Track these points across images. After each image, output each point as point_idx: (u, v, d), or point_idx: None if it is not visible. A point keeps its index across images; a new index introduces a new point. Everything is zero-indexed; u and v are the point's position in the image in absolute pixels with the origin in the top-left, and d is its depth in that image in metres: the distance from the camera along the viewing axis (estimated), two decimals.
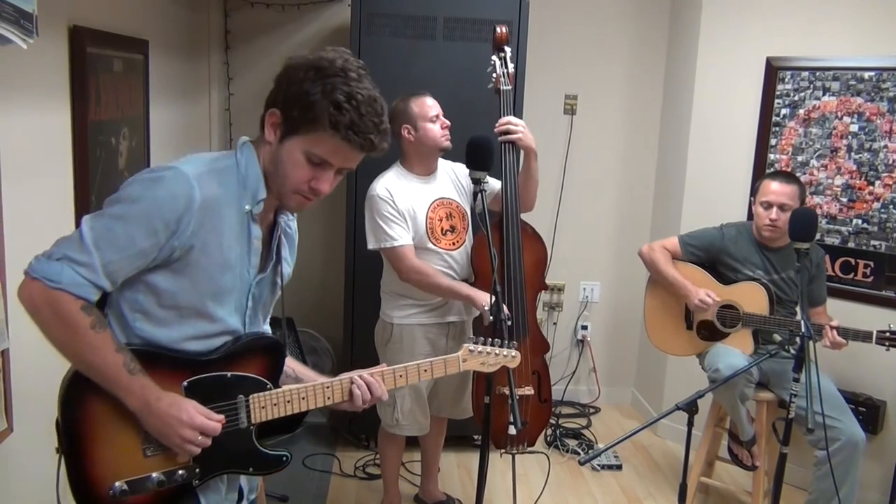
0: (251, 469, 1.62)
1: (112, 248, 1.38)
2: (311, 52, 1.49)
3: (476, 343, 1.90)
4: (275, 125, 1.48)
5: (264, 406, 1.58)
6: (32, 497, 2.14)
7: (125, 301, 1.47)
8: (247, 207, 1.50)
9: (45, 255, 1.39)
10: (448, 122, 2.82)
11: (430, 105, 2.79)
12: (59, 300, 1.37)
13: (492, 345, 1.92)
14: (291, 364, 1.74)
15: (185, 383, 1.50)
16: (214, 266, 1.47)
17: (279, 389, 1.60)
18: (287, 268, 1.70)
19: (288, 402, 1.61)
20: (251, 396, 1.57)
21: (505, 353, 1.94)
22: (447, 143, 2.80)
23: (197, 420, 1.46)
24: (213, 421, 1.49)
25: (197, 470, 1.53)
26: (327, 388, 1.66)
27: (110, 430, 1.46)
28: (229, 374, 1.55)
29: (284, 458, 1.64)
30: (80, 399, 1.45)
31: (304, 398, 1.63)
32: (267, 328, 1.73)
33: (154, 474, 1.49)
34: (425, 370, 1.80)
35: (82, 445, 1.45)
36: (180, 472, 1.51)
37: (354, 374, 1.70)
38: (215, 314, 1.51)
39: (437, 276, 2.78)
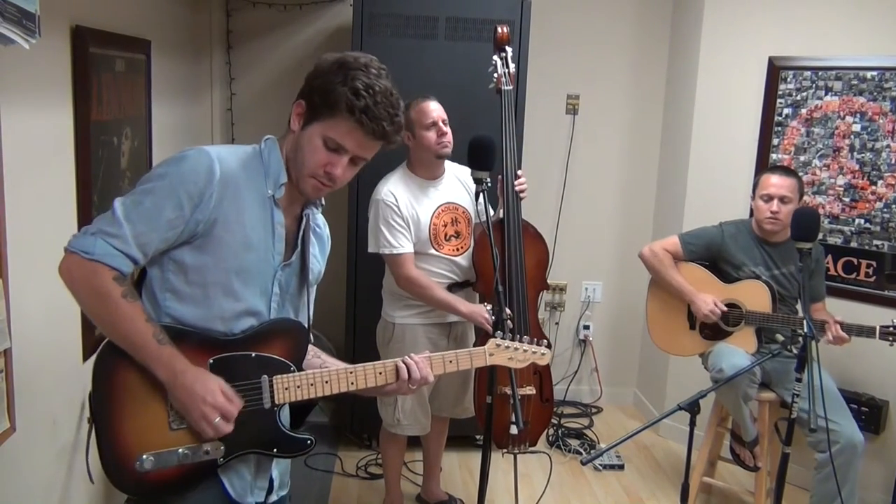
0: (276, 450, 1.65)
1: (141, 219, 1.47)
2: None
3: (504, 337, 1.88)
4: (299, 115, 1.58)
5: (287, 387, 1.62)
6: (35, 496, 2.15)
7: (156, 282, 1.56)
8: (269, 192, 1.59)
9: (83, 231, 1.49)
10: (446, 130, 2.79)
11: (427, 111, 2.77)
12: (93, 270, 1.45)
13: (520, 340, 1.89)
14: (338, 364, 1.75)
15: (210, 360, 1.55)
16: (237, 242, 1.54)
17: (302, 373, 1.64)
18: (317, 264, 1.75)
19: (311, 384, 1.64)
20: (274, 377, 1.61)
21: (535, 349, 1.91)
22: (444, 151, 2.79)
23: (219, 400, 1.50)
24: (232, 404, 1.53)
25: (222, 447, 1.56)
26: (350, 373, 1.69)
27: (138, 402, 1.52)
28: (253, 354, 1.59)
29: (309, 442, 1.66)
30: (111, 369, 1.51)
31: (327, 382, 1.66)
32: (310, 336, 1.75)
33: (180, 449, 1.53)
34: (450, 361, 1.79)
35: (111, 415, 1.50)
36: (205, 448, 1.55)
37: (401, 358, 1.74)
38: (240, 292, 1.57)
39: (432, 289, 2.77)
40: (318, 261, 1.76)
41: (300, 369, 1.65)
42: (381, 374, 1.72)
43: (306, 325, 1.73)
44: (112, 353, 1.50)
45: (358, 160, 1.59)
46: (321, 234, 1.79)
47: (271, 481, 1.73)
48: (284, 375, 1.62)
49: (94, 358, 1.52)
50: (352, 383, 1.69)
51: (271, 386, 1.60)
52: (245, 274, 1.57)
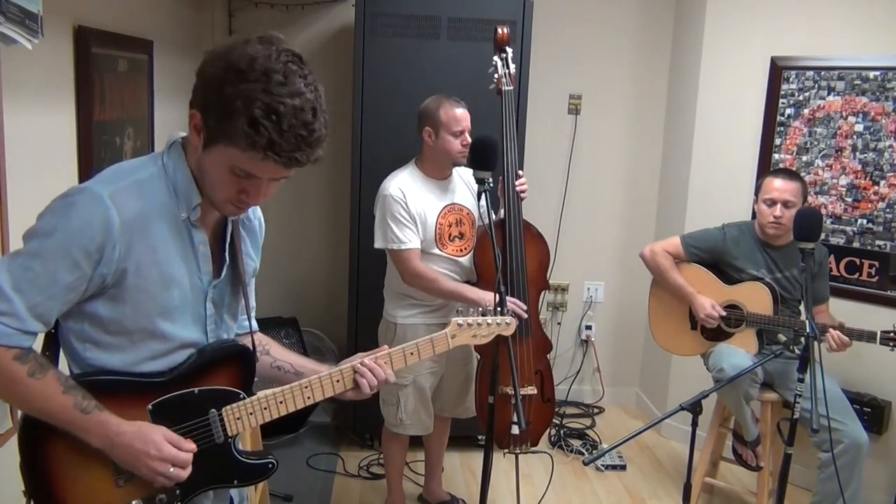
0: (236, 482, 1.55)
1: (34, 289, 1.27)
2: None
3: (465, 316, 1.79)
4: (197, 128, 1.32)
5: (239, 417, 1.49)
6: None
7: (72, 332, 1.39)
8: (183, 215, 1.39)
9: None
10: (469, 140, 2.79)
11: (458, 118, 2.77)
12: None
13: (483, 315, 1.81)
14: (289, 358, 1.68)
15: (149, 407, 1.41)
16: (155, 285, 1.37)
17: (253, 397, 1.51)
18: (252, 263, 1.60)
19: (265, 408, 1.52)
20: (224, 409, 1.48)
21: (498, 320, 1.82)
22: (462, 160, 2.79)
23: (166, 451, 1.38)
24: (183, 451, 1.40)
25: (177, 492, 1.45)
26: (305, 387, 1.57)
27: (77, 468, 1.39)
28: (196, 390, 1.45)
29: (270, 466, 1.56)
30: (39, 441, 1.37)
31: (281, 402, 1.54)
32: (254, 324, 1.64)
33: (133, 502, 1.42)
34: (411, 353, 1.69)
35: (50, 487, 1.38)
36: (160, 496, 1.44)
37: (356, 361, 1.61)
38: (168, 332, 1.41)
39: (439, 281, 2.77)
40: (252, 259, 1.60)
41: (250, 393, 1.52)
42: (338, 381, 1.60)
43: (249, 323, 1.61)
44: (36, 424, 1.35)
45: (278, 179, 1.36)
46: (251, 227, 1.59)
47: (231, 500, 1.64)
48: (234, 405, 1.49)
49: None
50: (308, 398, 1.56)
51: (221, 419, 1.48)
52: (171, 312, 1.40)
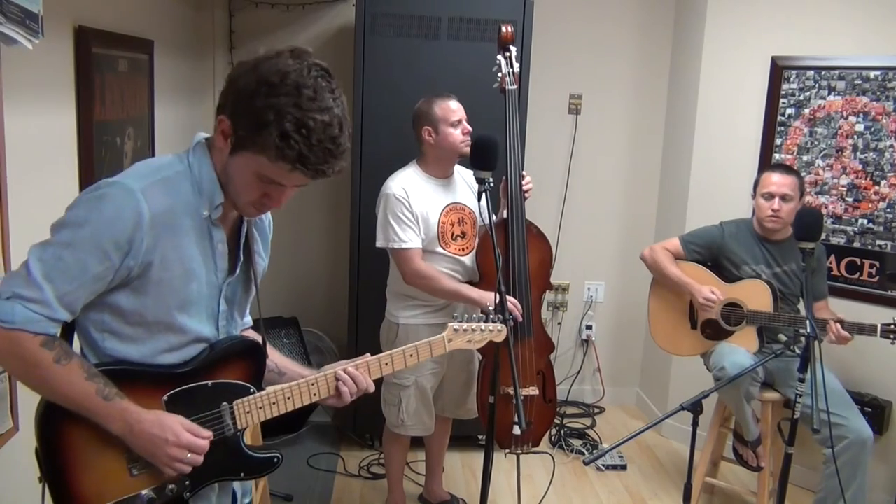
0: (242, 474, 1.60)
1: (64, 277, 1.32)
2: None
3: (461, 321, 1.87)
4: (225, 133, 1.39)
5: (249, 411, 1.55)
6: (38, 495, 2.15)
7: (91, 323, 1.43)
8: (205, 213, 1.44)
9: None
10: (469, 128, 2.80)
11: (453, 109, 2.79)
12: (16, 340, 1.31)
13: (477, 321, 1.89)
14: (274, 357, 1.70)
15: (164, 398, 1.46)
16: (177, 279, 1.42)
17: (263, 392, 1.57)
18: (262, 262, 1.65)
19: (273, 403, 1.58)
20: (235, 403, 1.53)
21: (491, 327, 1.91)
22: (466, 150, 2.78)
23: (184, 438, 1.42)
24: (201, 438, 1.45)
25: (187, 482, 1.50)
26: (312, 384, 1.63)
27: (92, 455, 1.42)
28: (210, 383, 1.51)
29: (276, 460, 1.61)
30: (57, 427, 1.41)
31: (289, 398, 1.59)
32: (248, 319, 1.70)
33: (143, 492, 1.46)
34: (411, 355, 1.75)
35: (65, 473, 1.42)
36: (170, 486, 1.48)
37: (339, 368, 1.65)
38: (185, 326, 1.46)
39: (441, 280, 2.77)
40: (262, 258, 1.65)
41: (260, 388, 1.58)
42: (332, 383, 1.65)
43: (259, 316, 1.65)
44: (54, 410, 1.39)
45: (301, 185, 1.42)
46: (262, 226, 1.65)
47: (234, 494, 1.67)
48: (245, 399, 1.55)
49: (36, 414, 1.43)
50: (314, 394, 1.63)
51: (232, 412, 1.53)
52: (189, 306, 1.46)
